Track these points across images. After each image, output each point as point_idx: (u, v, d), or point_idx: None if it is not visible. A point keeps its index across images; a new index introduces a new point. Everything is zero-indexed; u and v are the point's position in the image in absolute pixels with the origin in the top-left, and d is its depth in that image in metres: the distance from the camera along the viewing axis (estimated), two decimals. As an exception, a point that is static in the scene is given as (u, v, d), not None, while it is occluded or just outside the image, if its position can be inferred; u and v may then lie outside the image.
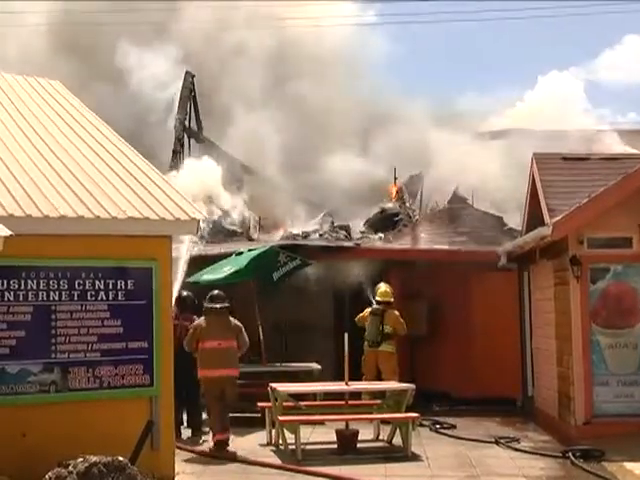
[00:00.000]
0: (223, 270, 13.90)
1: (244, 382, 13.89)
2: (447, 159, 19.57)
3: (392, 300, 13.95)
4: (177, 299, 11.76)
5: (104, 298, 8.95)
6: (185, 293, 12.56)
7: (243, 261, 13.75)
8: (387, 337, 13.77)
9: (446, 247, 16.03)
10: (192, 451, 11.07)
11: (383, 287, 14.05)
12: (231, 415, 11.39)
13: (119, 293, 9.02)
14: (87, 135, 10.98)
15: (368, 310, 14.04)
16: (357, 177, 20.30)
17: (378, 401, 12.35)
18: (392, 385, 12.41)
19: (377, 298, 13.96)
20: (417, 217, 18.18)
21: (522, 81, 40.60)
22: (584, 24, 33.53)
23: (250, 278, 13.99)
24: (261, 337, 14.01)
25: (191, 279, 14.06)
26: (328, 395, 12.44)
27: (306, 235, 17.34)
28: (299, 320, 15.69)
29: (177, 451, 9.82)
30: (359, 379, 13.11)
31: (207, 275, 14.07)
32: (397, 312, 13.86)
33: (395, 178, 20.11)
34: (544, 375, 13.46)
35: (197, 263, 14.06)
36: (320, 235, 17.24)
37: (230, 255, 14.63)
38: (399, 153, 20.90)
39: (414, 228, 17.65)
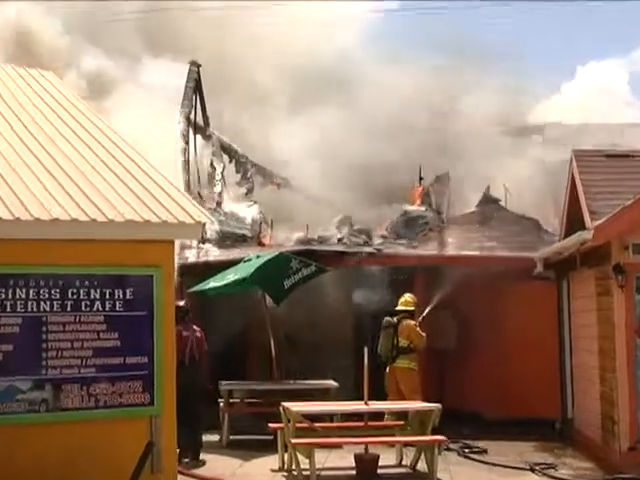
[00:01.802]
0: (227, 277, 13.94)
1: (254, 401, 14.04)
2: (477, 157, 19.48)
3: (413, 309, 13.87)
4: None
5: (100, 309, 8.95)
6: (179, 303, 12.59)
7: (250, 268, 13.77)
8: (403, 351, 13.67)
9: (476, 253, 15.95)
10: (196, 476, 11.05)
11: (407, 296, 14.06)
12: (239, 437, 11.37)
13: (117, 303, 9.03)
14: (82, 131, 11.00)
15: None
16: (379, 175, 20.28)
17: (401, 422, 12.29)
18: (416, 405, 12.35)
19: (398, 307, 13.93)
20: (444, 220, 18.07)
21: (559, 71, 40.26)
22: (622, 12, 33.33)
23: (258, 287, 14.03)
24: (273, 352, 14.00)
25: (196, 288, 14.14)
26: (346, 416, 12.44)
27: (322, 240, 17.29)
28: (314, 333, 15.72)
29: (180, 476, 9.79)
30: (384, 399, 13.06)
31: (213, 282, 14.13)
32: (412, 322, 13.75)
33: (420, 178, 20.05)
34: (585, 395, 13.37)
35: (202, 271, 14.04)
36: (338, 240, 17.20)
37: (239, 261, 14.66)
38: (424, 151, 20.84)
39: (441, 232, 17.58)
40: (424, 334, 13.74)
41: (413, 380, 13.59)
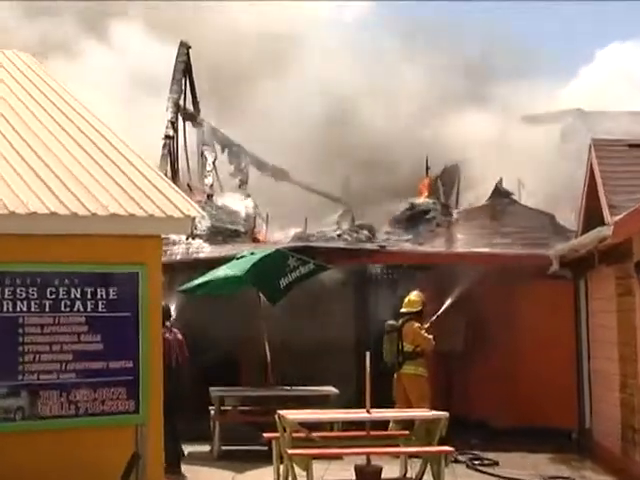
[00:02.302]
0: (218, 275, 13.98)
1: (247, 409, 14.05)
2: (489, 147, 19.48)
3: (419, 309, 13.82)
4: None
5: (81, 309, 8.92)
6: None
7: (244, 266, 13.78)
8: (409, 357, 13.67)
9: (487, 250, 15.98)
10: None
11: (412, 295, 14.00)
12: (232, 448, 11.39)
13: (99, 303, 9.01)
14: (62, 117, 10.95)
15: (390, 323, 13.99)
16: (381, 166, 20.31)
17: (406, 432, 12.30)
18: (422, 413, 12.36)
19: (402, 310, 13.91)
20: (453, 215, 18.08)
21: (576, 55, 40.09)
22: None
23: (253, 286, 14.03)
24: (268, 355, 14.02)
25: (184, 287, 14.19)
26: (346, 424, 12.46)
27: (322, 235, 17.30)
28: (313, 335, 15.76)
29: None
30: (388, 406, 13.06)
31: (204, 281, 14.14)
32: (417, 324, 13.72)
33: (427, 169, 20.06)
34: (604, 403, 13.37)
35: (191, 269, 14.03)
36: (338, 235, 17.21)
37: (232, 258, 14.68)
38: (431, 140, 20.87)
39: (449, 228, 17.61)
40: (430, 336, 13.73)
41: (421, 387, 13.58)
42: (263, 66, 24.35)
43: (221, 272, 14.02)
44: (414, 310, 13.80)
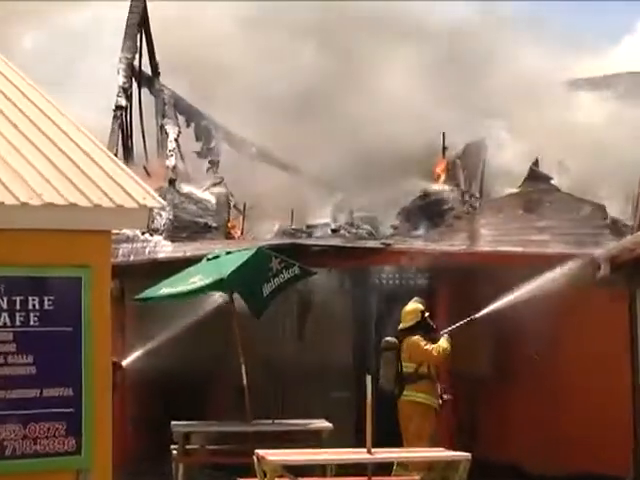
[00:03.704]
0: (191, 281, 14.01)
1: (219, 448, 14.05)
2: (524, 120, 19.50)
3: (416, 323, 13.73)
4: None
5: (8, 323, 8.83)
6: None
7: (220, 269, 13.87)
8: (409, 379, 13.64)
9: (519, 249, 15.93)
10: None
11: (408, 306, 13.98)
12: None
13: (31, 316, 8.94)
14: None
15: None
16: (387, 144, 20.33)
17: (416, 478, 12.29)
18: (437, 454, 12.33)
19: (400, 326, 13.91)
20: (476, 205, 18.08)
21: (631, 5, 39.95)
22: None
23: (229, 293, 14.09)
24: (245, 380, 14.03)
25: (142, 295, 14.30)
26: (343, 468, 12.41)
27: (312, 231, 17.30)
28: (301, 354, 15.88)
29: None
30: (395, 445, 13.07)
31: (168, 288, 14.20)
32: (415, 337, 13.66)
33: (444, 148, 20.07)
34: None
35: (148, 272, 14.03)
36: (333, 231, 17.24)
37: (200, 259, 14.74)
38: (450, 111, 20.91)
39: (471, 221, 17.63)
40: (436, 345, 13.61)
41: (421, 419, 13.56)
42: (243, 22, 24.39)
43: (192, 276, 14.10)
44: (408, 325, 13.77)
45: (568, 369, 15.01)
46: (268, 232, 17.66)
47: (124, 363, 14.22)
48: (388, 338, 13.91)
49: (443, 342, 13.63)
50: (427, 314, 13.85)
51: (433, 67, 22.63)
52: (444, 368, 13.97)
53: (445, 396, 13.78)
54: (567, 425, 14.78)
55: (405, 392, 13.62)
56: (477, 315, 14.14)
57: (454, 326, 14.01)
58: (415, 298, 14.05)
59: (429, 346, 13.60)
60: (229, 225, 18.50)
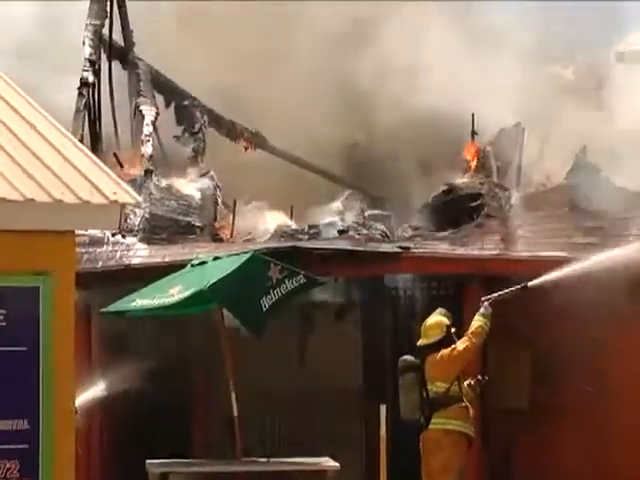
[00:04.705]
0: (169, 293, 13.98)
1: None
2: (566, 99, 19.42)
3: (441, 338, 13.60)
4: None
5: (-49, 342, 9.00)
6: None
7: (207, 276, 13.84)
8: (441, 403, 13.51)
9: (564, 254, 15.80)
10: None
11: (430, 319, 13.91)
12: None
13: (-22, 333, 9.11)
14: None
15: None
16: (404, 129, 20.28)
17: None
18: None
19: (420, 342, 13.81)
20: (511, 201, 17.98)
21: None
22: None
23: (219, 307, 14.05)
24: (235, 410, 13.96)
25: (111, 308, 14.25)
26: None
27: (315, 232, 17.20)
28: (303, 380, 16.02)
29: None
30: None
31: (142, 300, 14.15)
32: (445, 350, 13.52)
33: (473, 133, 20.00)
34: None
35: (120, 280, 13.93)
36: (341, 232, 17.12)
37: (183, 266, 14.70)
38: (479, 90, 20.88)
39: (506, 220, 17.57)
40: (465, 345, 13.44)
41: (453, 450, 13.41)
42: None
43: (171, 287, 14.04)
44: (431, 342, 13.67)
45: (625, 398, 15.07)
46: (264, 233, 17.56)
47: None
48: (407, 357, 13.78)
49: (478, 319, 13.48)
50: (453, 330, 13.74)
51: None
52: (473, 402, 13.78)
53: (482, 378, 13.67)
54: (624, 466, 14.83)
55: (434, 420, 13.46)
56: (531, 284, 13.81)
57: (499, 293, 13.76)
58: (439, 309, 13.97)
59: (458, 344, 13.46)
60: (217, 225, 18.40)
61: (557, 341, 15.16)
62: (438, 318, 13.82)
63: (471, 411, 13.65)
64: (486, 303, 13.59)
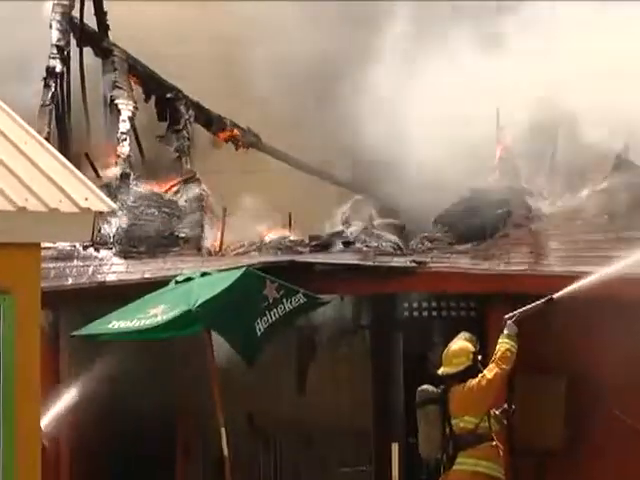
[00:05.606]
0: (151, 313, 14.13)
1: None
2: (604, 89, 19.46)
3: (467, 367, 13.74)
4: None
5: None
6: None
7: (194, 295, 14.01)
8: (468, 441, 13.64)
9: (604, 269, 15.78)
10: None
11: (453, 344, 14.01)
12: None
13: None
14: None
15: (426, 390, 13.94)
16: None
17: None
18: None
19: (441, 370, 13.88)
20: (543, 208, 17.99)
21: None
22: None
23: (206, 330, 14.13)
24: (225, 448, 13.95)
25: (84, 330, 14.42)
26: None
27: (318, 244, 17.23)
28: (303, 414, 16.10)
29: None
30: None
31: (119, 322, 14.32)
32: (474, 380, 13.63)
33: (498, 129, 20.00)
34: None
35: (93, 300, 13.94)
36: (346, 244, 17.13)
37: (166, 283, 14.87)
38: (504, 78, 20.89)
39: (536, 231, 17.50)
40: (494, 372, 13.55)
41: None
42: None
43: (151, 307, 14.20)
44: (455, 371, 13.76)
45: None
46: (257, 245, 17.56)
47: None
48: (427, 386, 13.84)
49: (504, 342, 13.60)
50: (480, 357, 13.81)
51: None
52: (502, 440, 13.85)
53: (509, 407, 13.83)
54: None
55: (460, 459, 13.56)
56: (557, 295, 14.04)
57: (524, 309, 13.92)
58: (463, 334, 14.03)
59: (486, 373, 13.56)
60: (204, 236, 18.41)
61: (595, 367, 15.17)
62: (463, 344, 13.90)
63: (501, 451, 13.76)
64: (510, 322, 13.67)
